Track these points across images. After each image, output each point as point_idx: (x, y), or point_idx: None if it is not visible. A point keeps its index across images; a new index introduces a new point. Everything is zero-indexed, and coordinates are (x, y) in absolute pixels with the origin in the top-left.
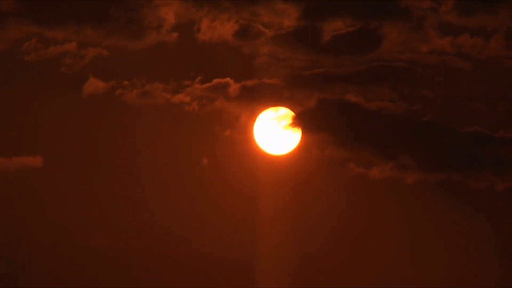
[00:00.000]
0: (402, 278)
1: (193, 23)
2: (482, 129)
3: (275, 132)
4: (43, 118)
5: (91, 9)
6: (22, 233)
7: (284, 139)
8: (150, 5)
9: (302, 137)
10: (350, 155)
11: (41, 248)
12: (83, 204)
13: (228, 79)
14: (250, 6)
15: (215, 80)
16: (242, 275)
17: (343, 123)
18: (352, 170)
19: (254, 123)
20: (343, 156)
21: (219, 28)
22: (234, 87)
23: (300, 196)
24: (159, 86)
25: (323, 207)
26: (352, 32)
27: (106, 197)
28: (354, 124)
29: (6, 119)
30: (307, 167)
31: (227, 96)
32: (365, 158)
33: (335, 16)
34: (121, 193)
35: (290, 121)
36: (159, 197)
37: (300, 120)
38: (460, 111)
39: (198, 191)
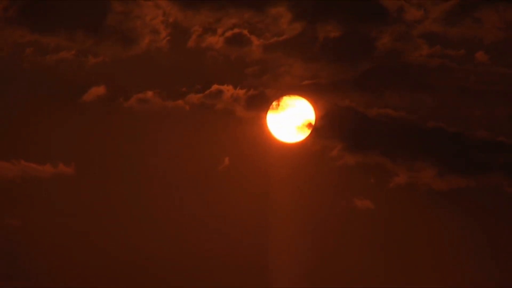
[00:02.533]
0: (411, 278)
1: (188, 31)
2: (489, 133)
3: (288, 120)
4: (58, 126)
5: (88, 17)
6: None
7: (296, 127)
8: (145, 13)
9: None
10: (361, 160)
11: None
12: (107, 208)
13: (226, 86)
14: (244, 15)
15: (214, 87)
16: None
17: (349, 130)
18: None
19: (265, 115)
20: (353, 161)
21: (215, 36)
22: (232, 94)
23: (311, 191)
24: (162, 93)
25: (332, 204)
26: (345, 39)
27: (131, 200)
28: (361, 130)
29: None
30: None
31: (226, 101)
32: (375, 162)
33: (327, 23)
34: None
35: (302, 112)
36: (182, 197)
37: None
38: (461, 115)
39: (219, 191)
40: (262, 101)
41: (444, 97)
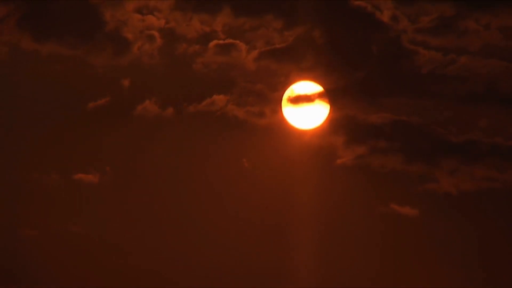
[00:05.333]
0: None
1: (183, 39)
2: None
3: (303, 106)
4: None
5: (86, 25)
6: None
7: (311, 113)
8: (140, 22)
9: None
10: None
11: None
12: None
13: (222, 94)
14: (238, 22)
15: (210, 95)
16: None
17: (352, 136)
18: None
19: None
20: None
21: (209, 44)
22: (229, 101)
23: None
24: (162, 102)
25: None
26: (339, 47)
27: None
28: (363, 136)
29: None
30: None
31: (224, 108)
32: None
33: (321, 31)
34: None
35: (317, 96)
36: (204, 197)
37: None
38: (465, 121)
39: (245, 193)
40: (260, 107)
41: (443, 102)
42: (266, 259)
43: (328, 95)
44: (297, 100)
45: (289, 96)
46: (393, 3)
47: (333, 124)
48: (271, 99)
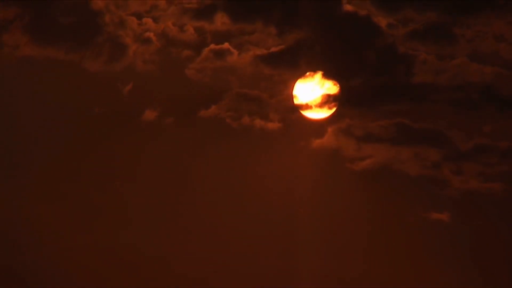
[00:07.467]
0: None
1: (180, 45)
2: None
3: (304, 111)
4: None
5: (85, 31)
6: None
7: (313, 117)
8: (137, 27)
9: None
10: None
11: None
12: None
13: (221, 100)
14: (234, 27)
15: (208, 101)
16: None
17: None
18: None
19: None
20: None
21: (207, 50)
22: (230, 107)
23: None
24: (163, 110)
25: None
26: (336, 54)
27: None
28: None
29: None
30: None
31: (224, 115)
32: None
33: (317, 38)
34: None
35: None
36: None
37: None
38: (468, 125)
39: (261, 200)
40: (260, 112)
41: (441, 107)
42: (280, 262)
43: (330, 99)
44: (298, 104)
45: (290, 100)
46: (386, 10)
47: (336, 129)
48: (270, 104)
